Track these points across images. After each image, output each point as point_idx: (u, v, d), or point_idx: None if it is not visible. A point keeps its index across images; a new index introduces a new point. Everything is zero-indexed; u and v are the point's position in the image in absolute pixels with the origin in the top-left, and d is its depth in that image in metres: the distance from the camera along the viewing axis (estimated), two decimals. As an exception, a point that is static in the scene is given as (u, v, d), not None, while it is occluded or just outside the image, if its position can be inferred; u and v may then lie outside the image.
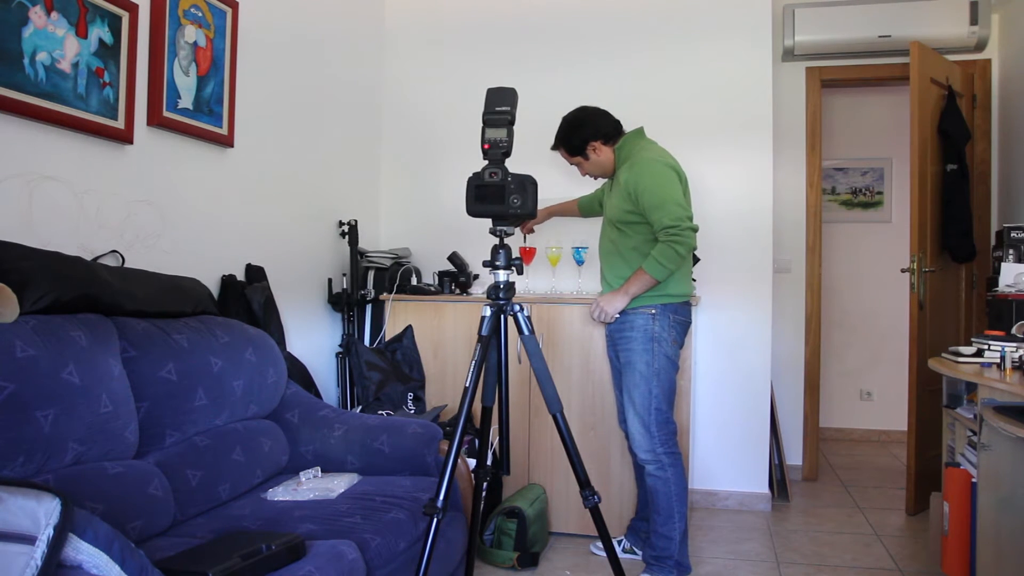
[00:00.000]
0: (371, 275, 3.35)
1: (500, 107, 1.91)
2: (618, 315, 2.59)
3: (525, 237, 3.15)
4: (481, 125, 1.93)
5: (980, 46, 3.78)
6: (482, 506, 2.41)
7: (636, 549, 2.83)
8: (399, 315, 3.25)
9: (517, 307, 2.03)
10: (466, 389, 1.94)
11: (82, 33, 1.98)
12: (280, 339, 2.73)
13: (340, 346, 3.26)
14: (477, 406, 2.19)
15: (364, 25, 3.65)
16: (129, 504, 1.64)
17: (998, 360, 2.17)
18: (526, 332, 2.02)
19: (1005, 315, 2.59)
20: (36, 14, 1.84)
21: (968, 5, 3.68)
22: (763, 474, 3.47)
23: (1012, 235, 2.93)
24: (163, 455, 1.85)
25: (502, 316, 2.04)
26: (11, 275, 1.62)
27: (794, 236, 4.04)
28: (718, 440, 3.49)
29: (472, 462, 2.40)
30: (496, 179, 1.92)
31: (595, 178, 2.84)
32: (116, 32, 2.09)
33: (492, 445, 2.71)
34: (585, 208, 3.08)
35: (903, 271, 3.56)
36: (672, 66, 3.52)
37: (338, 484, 2.11)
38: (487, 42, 3.71)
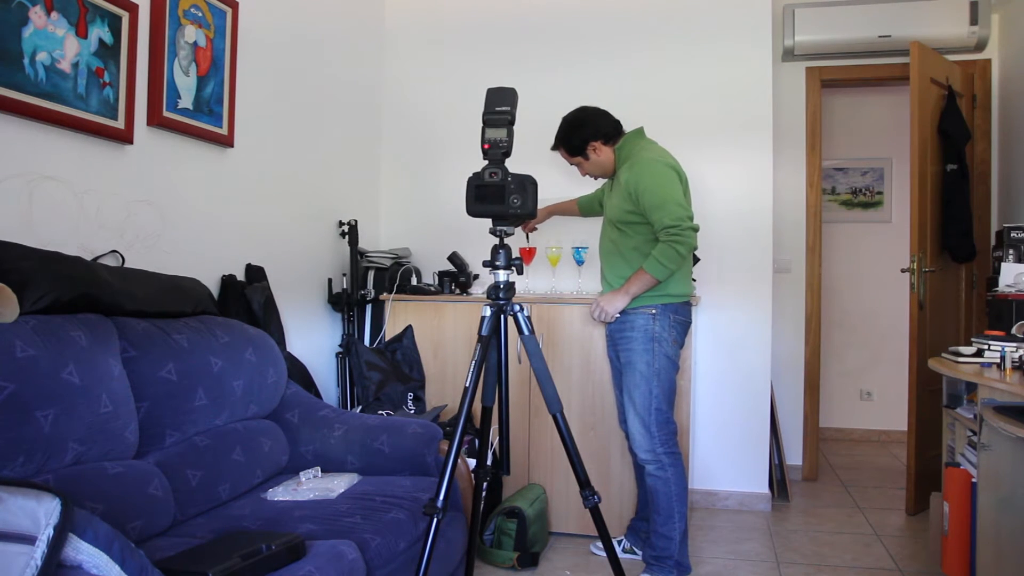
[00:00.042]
0: (371, 275, 3.35)
1: (500, 107, 1.91)
2: (618, 315, 2.59)
3: (528, 236, 3.15)
4: (481, 125, 1.93)
5: (980, 46, 3.78)
6: (482, 506, 2.41)
7: (636, 549, 2.83)
8: (399, 315, 3.25)
9: (517, 307, 2.03)
10: (466, 389, 1.94)
11: (82, 33, 1.98)
12: (280, 339, 2.73)
13: (340, 346, 3.26)
14: (477, 406, 2.19)
15: (364, 25, 3.65)
16: (129, 504, 1.64)
17: (998, 360, 2.17)
18: (526, 332, 2.02)
19: (1005, 315, 2.59)
20: (36, 14, 1.84)
21: (968, 5, 3.68)
22: (763, 474, 3.47)
23: (1012, 235, 2.93)
24: (163, 455, 1.85)
25: (502, 316, 2.04)
26: (11, 275, 1.62)
27: (794, 236, 4.04)
28: (718, 440, 3.49)
29: (472, 462, 2.40)
30: (496, 179, 1.92)
31: (595, 178, 2.84)
32: (116, 32, 2.09)
33: (492, 445, 2.71)
34: (585, 208, 3.08)
35: (903, 271, 3.56)
36: (672, 66, 3.53)
37: (338, 484, 2.11)
38: (487, 42, 3.71)
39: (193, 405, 1.96)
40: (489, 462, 2.53)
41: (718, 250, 3.44)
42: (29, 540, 1.05)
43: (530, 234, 3.14)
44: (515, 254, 2.05)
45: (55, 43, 1.90)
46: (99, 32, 2.03)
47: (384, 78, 3.81)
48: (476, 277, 3.36)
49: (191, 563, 1.42)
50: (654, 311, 2.55)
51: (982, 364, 2.25)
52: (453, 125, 3.69)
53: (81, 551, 1.11)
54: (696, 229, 2.50)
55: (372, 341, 3.33)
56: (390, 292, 3.28)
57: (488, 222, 2.00)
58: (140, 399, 1.81)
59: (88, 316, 1.75)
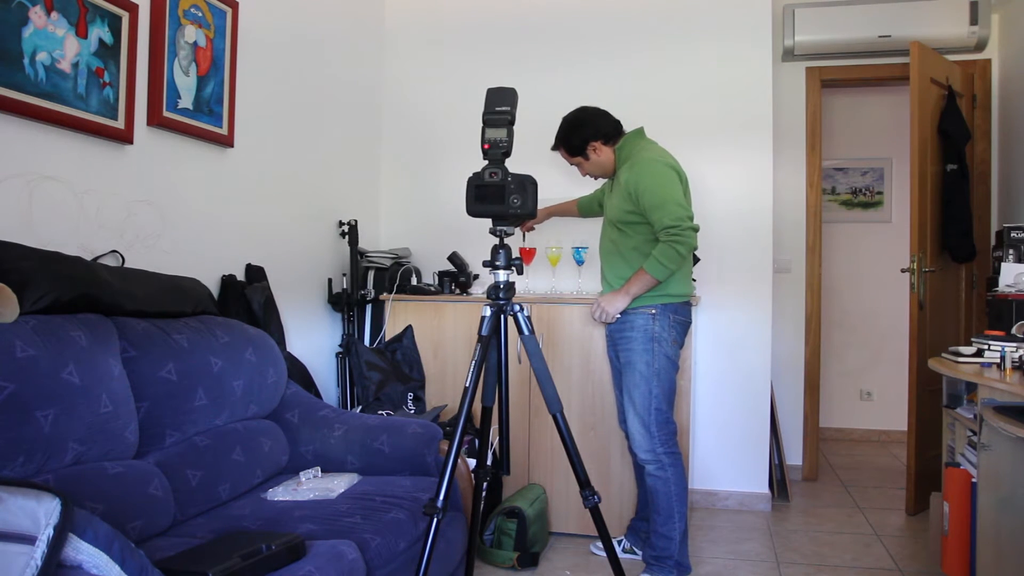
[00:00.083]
0: (371, 275, 3.35)
1: (500, 107, 1.91)
2: (619, 315, 2.59)
3: (524, 236, 3.14)
4: (481, 125, 1.93)
5: (980, 46, 3.78)
6: (482, 506, 2.41)
7: (636, 549, 2.82)
8: (399, 315, 3.25)
9: (517, 307, 2.03)
10: (466, 389, 1.94)
11: (82, 33, 1.98)
12: (280, 339, 2.73)
13: (340, 346, 3.26)
14: (477, 406, 2.19)
15: (364, 25, 3.65)
16: (129, 504, 1.64)
17: (998, 360, 2.17)
18: (526, 332, 2.02)
19: (1005, 315, 2.59)
20: (36, 14, 1.84)
21: (968, 5, 3.68)
22: (763, 474, 3.47)
23: (1012, 235, 2.93)
24: (163, 455, 1.85)
25: (502, 316, 2.04)
26: (11, 275, 1.62)
27: (794, 236, 4.04)
28: (718, 440, 3.49)
29: (472, 462, 2.40)
30: (496, 179, 1.92)
31: (595, 178, 2.84)
32: (116, 32, 2.09)
33: (492, 445, 2.71)
34: (585, 208, 3.07)
35: (903, 271, 3.56)
36: (672, 66, 3.53)
37: (338, 484, 2.11)
38: (487, 42, 3.71)
39: (193, 405, 1.96)
40: (489, 462, 2.53)
41: (718, 250, 3.44)
42: (29, 540, 1.05)
43: (527, 234, 3.14)
44: (515, 254, 2.05)
45: (55, 43, 1.90)
46: (99, 32, 2.03)
47: (384, 78, 3.81)
48: (476, 277, 3.36)
49: (191, 563, 1.42)
50: (654, 311, 2.55)
51: (982, 364, 2.25)
52: (453, 125, 3.69)
53: (81, 551, 1.11)
54: (696, 229, 2.50)
55: (372, 341, 3.33)
56: (390, 292, 3.28)
57: (488, 222, 2.00)
58: (140, 399, 1.81)
59: (88, 316, 1.75)
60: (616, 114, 2.72)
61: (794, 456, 4.03)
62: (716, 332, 3.49)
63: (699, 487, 3.49)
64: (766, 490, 3.48)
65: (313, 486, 2.08)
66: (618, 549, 2.76)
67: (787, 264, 4.05)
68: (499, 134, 1.91)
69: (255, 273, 2.71)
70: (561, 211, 3.13)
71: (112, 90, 2.08)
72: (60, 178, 1.96)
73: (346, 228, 3.31)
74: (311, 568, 1.52)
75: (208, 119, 2.46)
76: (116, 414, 1.69)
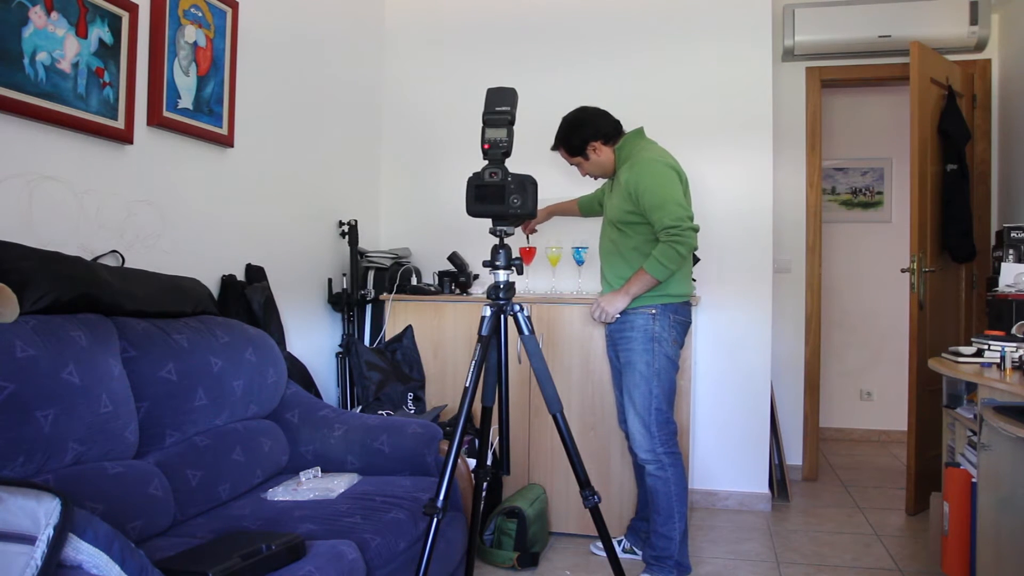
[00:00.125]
0: (371, 275, 3.35)
1: (500, 107, 1.91)
2: (618, 315, 2.59)
3: (528, 237, 3.15)
4: (481, 125, 1.93)
5: (980, 46, 3.78)
6: (482, 506, 2.41)
7: (636, 549, 2.83)
8: (399, 315, 3.25)
9: (517, 307, 2.03)
10: (466, 389, 1.94)
11: (82, 33, 1.98)
12: (280, 339, 2.73)
13: (340, 346, 3.26)
14: (477, 406, 2.19)
15: (364, 25, 3.65)
16: (129, 504, 1.64)
17: (998, 360, 2.17)
18: (526, 332, 2.02)
19: (1005, 315, 2.59)
20: (36, 14, 1.84)
21: (968, 5, 3.68)
22: (763, 474, 3.47)
23: (1012, 235, 2.93)
24: (163, 455, 1.85)
25: (502, 316, 2.04)
26: (11, 275, 1.62)
27: (794, 236, 4.04)
28: (718, 440, 3.49)
29: (472, 462, 2.40)
30: (496, 179, 1.92)
31: (595, 178, 2.84)
32: (116, 32, 2.09)
33: (492, 445, 2.71)
34: (585, 208, 3.08)
35: (903, 271, 3.56)
36: (672, 66, 3.53)
37: (338, 484, 2.11)
38: (487, 42, 3.71)
39: (193, 405, 1.96)
40: (489, 462, 2.53)
41: (718, 250, 3.44)
42: (29, 540, 1.05)
43: (530, 235, 3.14)
44: (515, 254, 2.05)
45: (55, 43, 1.90)
46: (99, 32, 2.03)
47: (384, 78, 3.81)
48: (476, 277, 3.36)
49: (191, 563, 1.42)
50: (654, 311, 2.55)
51: (982, 364, 2.25)
52: (453, 125, 3.69)
53: (81, 551, 1.11)
54: (696, 229, 2.50)
55: (372, 341, 3.33)
56: (390, 292, 3.28)
57: (488, 222, 2.00)
58: (140, 399, 1.81)
59: (88, 316, 1.75)
60: (616, 114, 2.72)
61: (794, 456, 4.03)
62: (716, 332, 3.49)
63: (699, 487, 3.49)
64: (766, 490, 3.48)
65: (313, 486, 2.08)
66: (618, 549, 2.76)
67: (787, 264, 4.05)
68: (499, 134, 1.91)
69: (255, 273, 2.71)
70: (562, 210, 3.13)
71: (112, 90, 2.08)
72: (60, 178, 1.96)
73: (346, 228, 3.31)
74: (311, 568, 1.52)
75: (208, 119, 2.46)
76: (116, 414, 1.69)
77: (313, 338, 3.17)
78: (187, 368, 1.94)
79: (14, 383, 1.46)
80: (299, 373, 2.81)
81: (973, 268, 3.85)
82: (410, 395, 3.08)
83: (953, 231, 3.58)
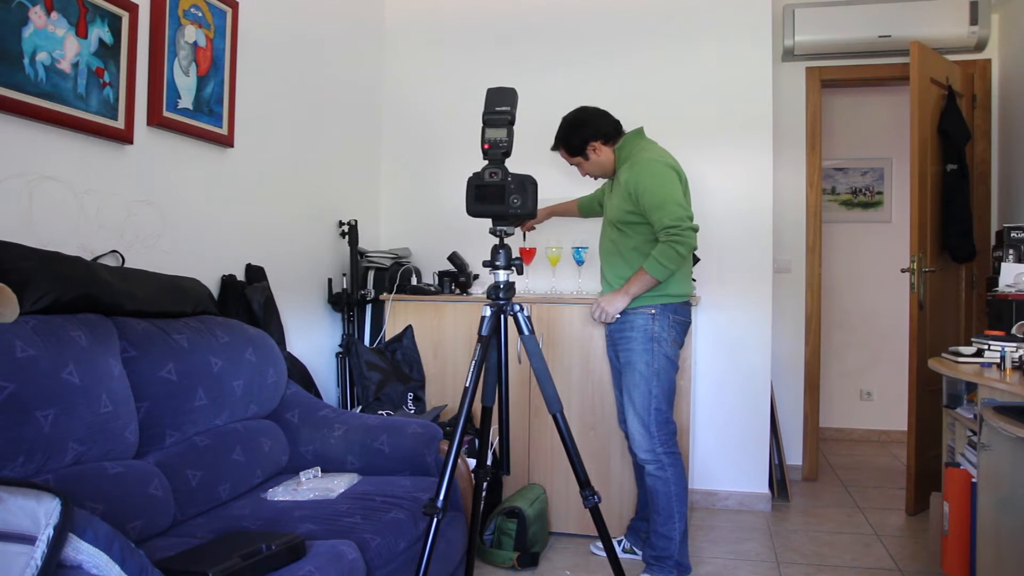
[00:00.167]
0: (371, 275, 3.35)
1: (500, 107, 1.91)
2: (618, 315, 2.59)
3: (525, 236, 3.15)
4: (481, 125, 1.93)
5: (980, 46, 3.78)
6: (482, 506, 2.41)
7: (636, 549, 2.83)
8: (399, 315, 3.25)
9: (517, 307, 2.03)
10: (466, 389, 1.94)
11: (82, 33, 1.98)
12: (280, 339, 2.73)
13: (340, 346, 3.26)
14: (477, 406, 2.19)
15: (364, 25, 3.65)
16: (129, 504, 1.64)
17: (998, 360, 2.17)
18: (526, 332, 2.02)
19: (1005, 315, 2.59)
20: (36, 14, 1.84)
21: (968, 5, 3.68)
22: (763, 474, 3.47)
23: (1012, 235, 2.93)
24: (163, 455, 1.85)
25: (502, 316, 2.04)
26: (11, 275, 1.62)
27: (794, 236, 4.04)
28: (718, 440, 3.49)
29: (472, 462, 2.40)
30: (496, 179, 1.92)
31: (595, 178, 2.84)
32: (116, 32, 2.09)
33: (492, 445, 2.71)
34: (585, 208, 3.08)
35: (903, 271, 3.56)
36: (672, 66, 3.53)
37: (338, 484, 2.11)
38: (487, 42, 3.71)
39: (193, 405, 1.96)
40: (489, 462, 2.53)
41: (718, 250, 3.44)
42: (29, 540, 1.05)
43: (528, 234, 3.14)
44: (515, 254, 2.05)
45: (55, 43, 1.90)
46: (99, 32, 2.03)
47: (384, 78, 3.81)
48: (476, 277, 3.36)
49: (191, 563, 1.42)
50: (653, 311, 2.55)
51: (982, 364, 2.25)
52: (453, 125, 3.69)
53: (81, 551, 1.11)
54: (696, 229, 2.50)
55: (372, 341, 3.33)
56: (390, 292, 3.28)
57: (488, 222, 2.00)
58: (140, 399, 1.81)
59: (88, 316, 1.75)
60: (616, 114, 2.72)
61: (794, 456, 4.03)
62: (716, 332, 3.49)
63: (699, 487, 3.49)
64: (766, 490, 3.48)
65: (313, 486, 2.08)
66: (618, 549, 2.76)
67: (787, 264, 4.05)
68: (499, 134, 1.91)
69: (255, 273, 2.71)
70: (562, 211, 3.13)
71: (112, 90, 2.08)
72: (60, 178, 1.96)
73: (346, 228, 3.31)
74: (311, 568, 1.52)
75: (208, 119, 2.46)
76: (116, 414, 1.69)
77: (313, 338, 3.17)
78: (187, 368, 1.94)
79: (14, 383, 1.46)
80: (299, 373, 2.81)
81: (973, 268, 3.85)
82: (410, 395, 3.08)
83: (953, 231, 3.58)
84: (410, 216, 3.78)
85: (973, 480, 2.16)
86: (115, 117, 2.09)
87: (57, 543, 1.06)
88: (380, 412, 2.89)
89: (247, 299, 2.59)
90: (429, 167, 3.77)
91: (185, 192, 2.41)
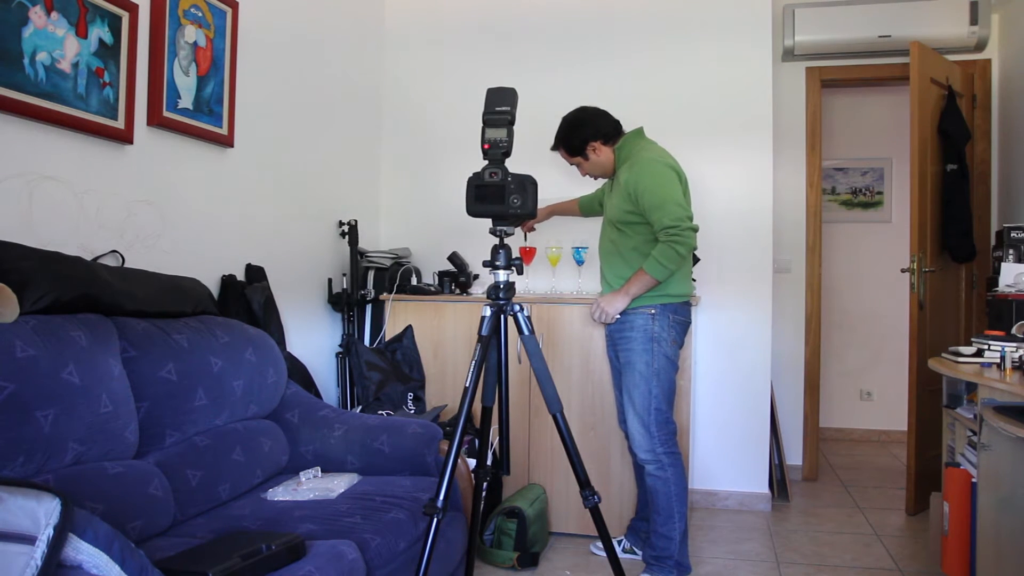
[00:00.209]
0: (371, 275, 3.35)
1: (500, 107, 1.91)
2: (618, 315, 2.59)
3: (526, 236, 3.15)
4: (481, 125, 1.93)
5: (980, 46, 3.78)
6: (482, 506, 2.41)
7: (636, 549, 2.83)
8: (399, 315, 3.25)
9: (517, 307, 2.03)
10: (466, 389, 1.94)
11: (82, 33, 1.98)
12: (280, 339, 2.73)
13: (340, 346, 3.26)
14: (477, 406, 2.19)
15: (364, 25, 3.65)
16: (129, 504, 1.64)
17: (998, 360, 2.17)
18: (526, 332, 2.02)
19: (1005, 315, 2.59)
20: (36, 14, 1.84)
21: (968, 5, 3.68)
22: (763, 474, 3.47)
23: (1012, 235, 2.93)
24: (163, 455, 1.85)
25: (502, 316, 2.04)
26: (11, 275, 1.62)
27: (794, 236, 4.05)
28: (718, 440, 3.49)
29: (472, 462, 2.40)
30: (496, 179, 1.92)
31: (595, 178, 2.84)
32: (116, 32, 2.09)
33: (492, 445, 2.71)
34: (585, 208, 3.08)
35: (903, 271, 3.56)
36: (672, 66, 3.53)
37: (338, 484, 2.11)
38: (487, 42, 3.71)
39: (193, 405, 1.96)
40: (489, 462, 2.53)
41: (718, 250, 3.44)
42: (29, 540, 1.05)
43: (529, 234, 3.14)
44: (515, 254, 2.05)
45: (55, 43, 1.90)
46: (99, 32, 2.03)
47: (384, 78, 3.81)
48: (476, 277, 3.36)
49: (191, 563, 1.42)
50: (653, 311, 2.55)
51: (982, 364, 2.25)
52: (453, 125, 3.69)
53: (81, 551, 1.11)
54: (695, 229, 2.50)
55: (372, 341, 3.33)
56: (390, 292, 3.28)
57: (488, 222, 2.00)
58: (140, 399, 1.81)
59: (88, 316, 1.75)
60: (616, 114, 2.72)
61: (794, 456, 4.03)
62: (716, 332, 3.49)
63: (699, 487, 3.49)
64: (766, 490, 3.48)
65: (313, 486, 2.08)
66: (618, 549, 2.76)
67: (787, 264, 4.05)
68: (499, 134, 1.91)
69: (255, 273, 2.71)
70: (562, 210, 3.13)
71: (112, 90, 2.08)
72: (60, 178, 1.96)
73: (346, 228, 3.31)
74: (311, 568, 1.52)
75: (208, 119, 2.46)
76: (116, 414, 1.69)
77: (313, 338, 3.17)
78: (187, 368, 1.94)
79: (14, 383, 1.46)
80: (299, 373, 2.81)
81: (973, 268, 3.85)
82: (410, 395, 3.08)
83: (953, 231, 3.58)
84: (410, 216, 3.78)
85: (973, 480, 2.17)
86: (115, 117, 2.09)
87: (57, 543, 1.06)
88: (380, 412, 2.89)
89: (247, 299, 2.59)
90: (429, 167, 3.77)
91: (185, 192, 2.41)
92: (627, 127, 2.72)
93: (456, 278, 3.30)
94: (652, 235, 2.54)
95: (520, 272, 2.05)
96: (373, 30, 3.73)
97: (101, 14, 2.03)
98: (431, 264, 3.57)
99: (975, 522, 2.11)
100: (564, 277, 3.45)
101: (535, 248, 3.25)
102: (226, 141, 2.56)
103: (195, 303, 2.19)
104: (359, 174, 3.63)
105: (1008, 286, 2.69)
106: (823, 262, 4.24)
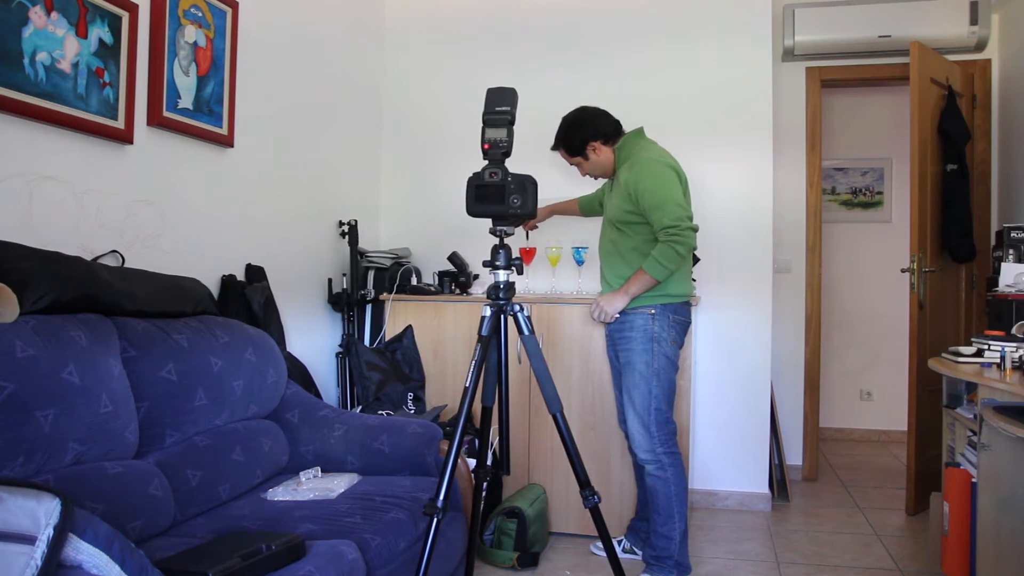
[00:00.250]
0: (371, 275, 3.35)
1: (500, 107, 1.91)
2: (618, 315, 2.59)
3: (528, 235, 3.15)
4: (481, 125, 1.93)
5: (980, 46, 3.78)
6: (482, 506, 2.41)
7: (636, 549, 2.82)
8: (399, 315, 3.25)
9: (517, 307, 2.03)
10: (466, 389, 1.94)
11: (82, 33, 1.98)
12: (280, 339, 2.73)
13: (340, 346, 3.26)
14: (477, 406, 2.19)
15: (364, 25, 3.65)
16: (129, 504, 1.64)
17: (998, 360, 2.17)
18: (526, 332, 2.02)
19: (1005, 315, 2.59)
20: (36, 14, 1.84)
21: (968, 5, 3.68)
22: (763, 474, 3.47)
23: (1012, 235, 2.93)
24: (163, 455, 1.85)
25: (502, 316, 2.04)
26: (11, 275, 1.62)
27: (794, 236, 4.05)
28: (718, 440, 3.49)
29: (472, 462, 2.40)
30: (496, 179, 1.92)
31: (595, 178, 2.84)
32: (116, 32, 2.09)
33: (492, 445, 2.71)
34: (586, 207, 3.08)
35: (903, 271, 3.56)
36: (672, 66, 3.53)
37: (338, 484, 2.11)
38: (487, 42, 3.71)
39: (193, 405, 1.96)
40: (489, 462, 2.53)
41: (718, 250, 3.44)
42: (29, 540, 1.05)
43: (530, 233, 3.14)
44: (515, 254, 2.05)
45: (55, 43, 1.90)
46: (99, 32, 2.03)
47: (384, 78, 3.81)
48: (476, 277, 3.36)
49: (191, 563, 1.42)
50: (653, 311, 2.55)
51: (982, 364, 2.25)
52: (453, 125, 3.69)
53: (81, 551, 1.11)
54: (695, 229, 2.50)
55: (372, 341, 3.33)
56: (390, 292, 3.28)
57: (488, 222, 2.00)
58: (140, 399, 1.81)
59: (88, 316, 1.75)
60: (616, 114, 2.72)
61: (794, 456, 4.03)
62: (716, 332, 3.49)
63: (699, 487, 3.49)
64: (766, 490, 3.48)
65: (313, 486, 2.08)
66: (618, 549, 2.76)
67: (787, 264, 4.05)
68: (499, 134, 1.91)
69: (255, 273, 2.71)
70: (562, 209, 3.13)
71: (112, 90, 2.08)
72: (60, 178, 1.96)
73: (346, 228, 3.31)
74: (311, 568, 1.52)
75: (208, 119, 2.46)
76: (116, 414, 1.69)
77: (313, 338, 3.17)
78: (187, 368, 1.94)
79: (14, 383, 1.46)
80: (299, 373, 2.81)
81: (973, 268, 3.85)
82: (410, 395, 3.08)
83: (953, 231, 3.58)
84: (410, 216, 3.78)
85: (973, 480, 2.17)
86: (115, 117, 2.09)
87: (57, 543, 1.06)
88: (380, 412, 2.89)
89: (247, 299, 2.59)
90: (429, 167, 3.77)
91: (185, 192, 2.41)
92: (627, 127, 2.72)
93: (456, 278, 3.30)
94: (652, 235, 2.54)
95: (520, 272, 2.05)
96: (373, 30, 3.73)
97: (101, 14, 2.03)
98: (431, 264, 3.57)
99: (975, 522, 2.11)
100: (564, 277, 3.45)
101: (535, 248, 3.25)
102: (226, 141, 2.56)
103: (195, 303, 2.19)
104: (359, 174, 3.63)
105: (1008, 286, 2.69)
106: (823, 262, 4.24)
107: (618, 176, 2.64)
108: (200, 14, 2.41)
